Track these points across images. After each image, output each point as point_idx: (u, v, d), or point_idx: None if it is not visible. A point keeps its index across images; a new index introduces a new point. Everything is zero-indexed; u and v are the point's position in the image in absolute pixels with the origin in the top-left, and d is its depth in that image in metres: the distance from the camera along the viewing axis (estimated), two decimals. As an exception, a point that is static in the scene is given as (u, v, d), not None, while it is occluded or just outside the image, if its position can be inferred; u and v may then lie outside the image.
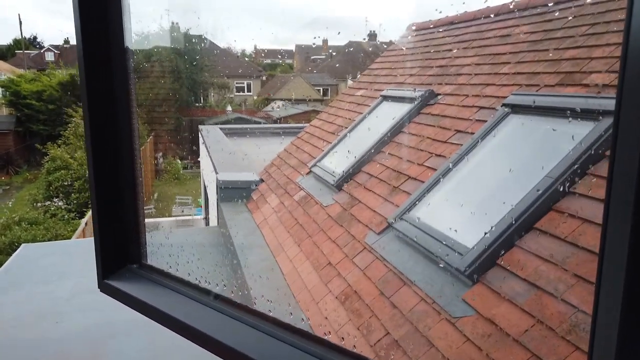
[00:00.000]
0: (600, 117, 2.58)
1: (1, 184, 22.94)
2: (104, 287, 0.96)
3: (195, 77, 29.62)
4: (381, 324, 2.80)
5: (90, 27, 0.92)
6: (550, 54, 3.60)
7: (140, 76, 19.29)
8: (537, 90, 3.37)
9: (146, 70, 20.70)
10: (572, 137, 2.68)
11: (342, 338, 2.84)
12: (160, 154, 23.05)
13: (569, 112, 2.84)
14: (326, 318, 3.15)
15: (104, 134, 1.02)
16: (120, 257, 1.02)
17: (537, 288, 2.17)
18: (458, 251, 2.67)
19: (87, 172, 1.04)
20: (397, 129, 4.69)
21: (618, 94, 0.48)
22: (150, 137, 19.71)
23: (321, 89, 43.20)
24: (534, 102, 3.17)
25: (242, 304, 0.88)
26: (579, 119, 2.77)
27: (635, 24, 0.46)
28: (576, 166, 2.50)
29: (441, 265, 2.75)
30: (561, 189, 2.48)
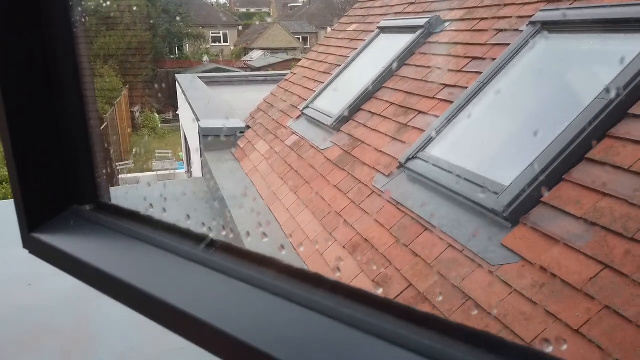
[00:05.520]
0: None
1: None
2: (30, 244, 0.54)
3: (168, 27, 28.26)
4: (401, 275, 2.46)
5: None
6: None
7: (109, 24, 18.11)
8: (570, 4, 2.91)
9: (116, 18, 19.50)
10: (626, 51, 2.26)
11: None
12: (137, 107, 22.12)
13: (617, 24, 2.41)
14: (338, 269, 2.79)
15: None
16: (59, 198, 0.59)
17: (599, 228, 1.81)
18: (492, 190, 2.29)
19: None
20: (400, 62, 4.20)
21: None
22: (125, 89, 18.78)
23: (300, 37, 41.79)
24: (571, 16, 2.72)
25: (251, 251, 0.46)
26: (631, 31, 2.34)
27: None
28: (635, 84, 2.10)
29: (471, 207, 2.37)
30: (617, 112, 2.09)
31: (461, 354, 0.34)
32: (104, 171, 0.61)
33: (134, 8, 20.98)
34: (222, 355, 0.37)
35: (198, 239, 0.48)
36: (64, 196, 0.58)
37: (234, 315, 0.38)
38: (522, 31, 3.07)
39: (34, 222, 0.56)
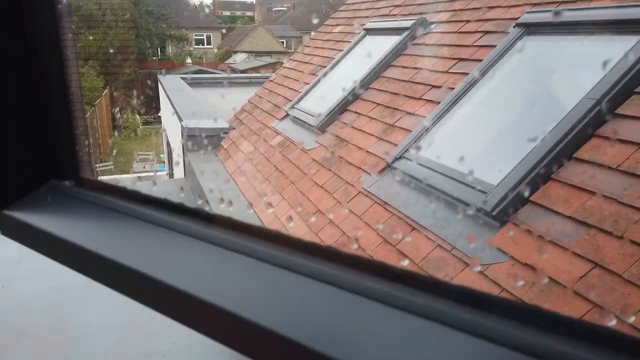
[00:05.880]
0: (649, 26, 2.18)
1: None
2: (2, 223, 0.48)
3: (151, 27, 27.96)
4: (388, 276, 2.42)
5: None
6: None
7: (90, 23, 17.80)
8: (556, 7, 2.94)
9: (97, 17, 19.21)
10: (612, 53, 2.27)
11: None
12: (118, 109, 21.76)
13: (603, 25, 2.43)
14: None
15: None
16: (36, 173, 0.54)
17: (589, 226, 1.81)
18: (479, 189, 2.28)
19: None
20: (386, 63, 4.20)
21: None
22: (106, 90, 18.46)
23: (284, 41, 41.74)
24: (557, 18, 2.74)
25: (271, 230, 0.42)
26: (618, 33, 2.37)
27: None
28: (621, 85, 2.11)
29: (459, 207, 2.36)
30: (605, 112, 2.10)
31: (494, 324, 0.30)
32: (86, 143, 0.56)
33: (116, 8, 20.73)
34: (224, 338, 0.32)
35: (192, 212, 0.43)
36: (41, 170, 0.53)
37: (236, 291, 0.33)
38: (508, 33, 3.08)
39: (6, 198, 0.50)
